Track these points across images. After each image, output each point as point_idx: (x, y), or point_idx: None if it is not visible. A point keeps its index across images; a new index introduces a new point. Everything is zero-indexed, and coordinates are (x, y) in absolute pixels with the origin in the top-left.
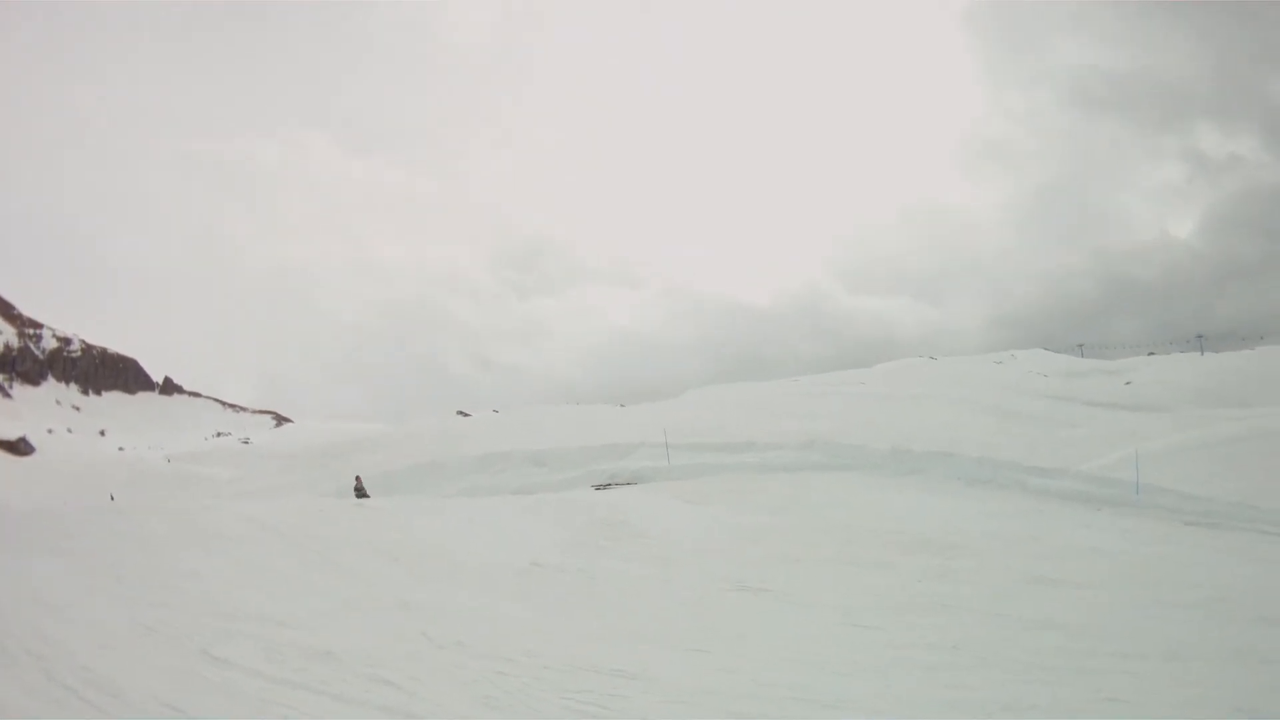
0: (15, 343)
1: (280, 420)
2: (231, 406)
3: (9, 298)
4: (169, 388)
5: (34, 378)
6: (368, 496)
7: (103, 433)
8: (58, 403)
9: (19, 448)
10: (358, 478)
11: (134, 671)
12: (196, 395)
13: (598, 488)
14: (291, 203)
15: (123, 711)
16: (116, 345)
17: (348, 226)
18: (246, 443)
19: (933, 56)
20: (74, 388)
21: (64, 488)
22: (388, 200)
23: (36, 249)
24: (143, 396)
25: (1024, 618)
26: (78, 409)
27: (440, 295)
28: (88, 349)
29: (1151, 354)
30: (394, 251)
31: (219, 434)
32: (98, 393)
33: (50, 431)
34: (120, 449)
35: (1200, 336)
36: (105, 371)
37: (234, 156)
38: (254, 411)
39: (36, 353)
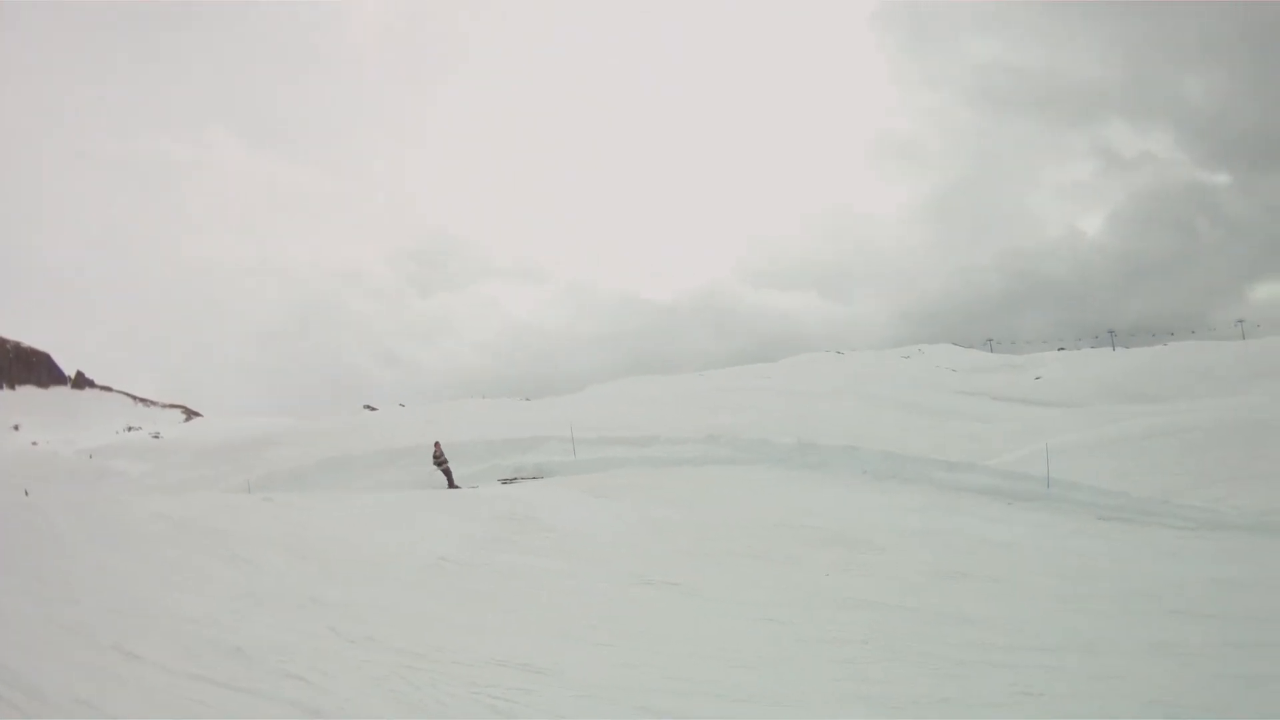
0: None
1: (190, 414)
2: (142, 401)
3: None
4: (81, 382)
5: None
6: (446, 463)
7: (16, 427)
8: None
9: None
10: (437, 444)
11: (51, 669)
12: (108, 389)
13: (504, 482)
14: (195, 200)
15: (41, 710)
16: (28, 340)
17: (251, 224)
18: (157, 437)
19: (842, 56)
20: None
21: None
22: (290, 198)
23: None
24: (55, 391)
25: (935, 611)
26: None
27: (342, 292)
28: (1, 343)
29: (1061, 349)
30: (297, 249)
31: (130, 428)
32: (11, 387)
33: None
34: (34, 443)
35: (1112, 332)
36: (18, 366)
37: (139, 155)
38: (164, 406)
39: None
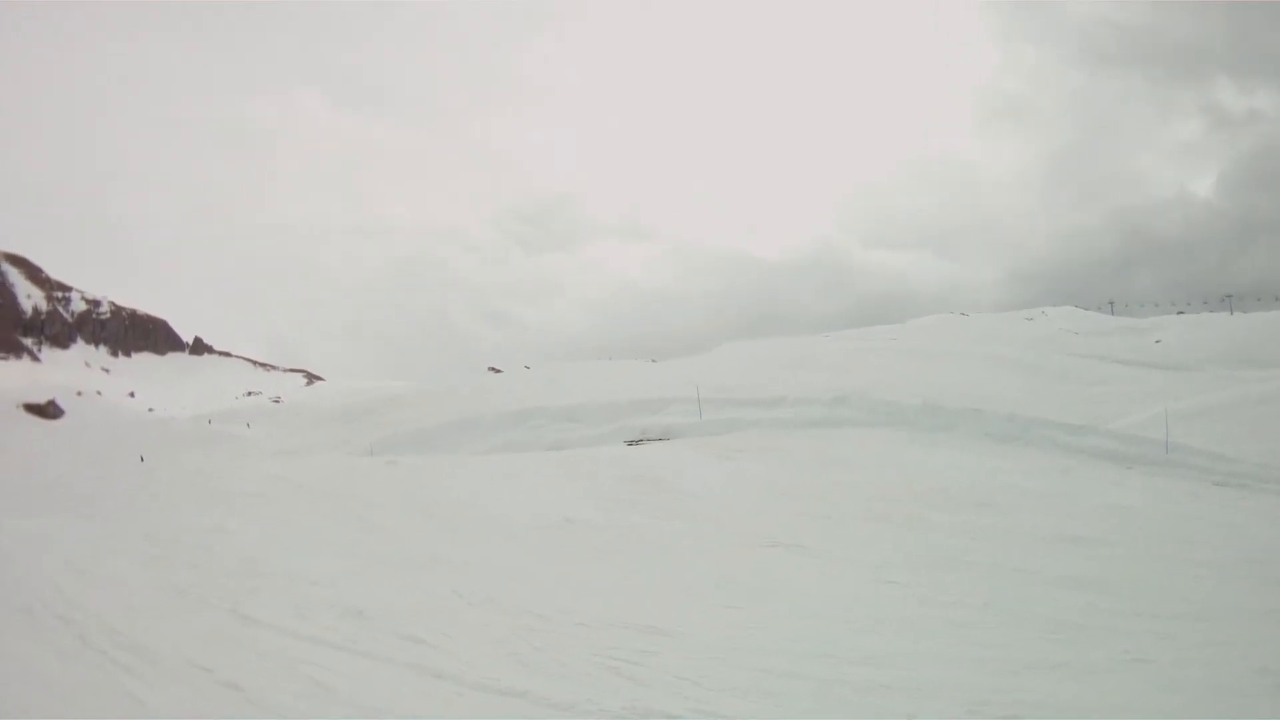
0: (44, 305)
1: (312, 379)
2: (262, 365)
3: (36, 261)
4: (199, 348)
5: (63, 340)
6: None
7: (133, 394)
8: (87, 365)
9: (48, 411)
10: None
11: (166, 633)
12: (227, 355)
13: (630, 443)
14: (287, 162)
15: (155, 674)
16: (143, 307)
17: (347, 184)
18: (278, 401)
19: (946, 10)
20: (103, 350)
21: (94, 450)
22: (387, 158)
23: (58, 214)
24: (172, 357)
25: (1053, 576)
26: (107, 371)
27: (445, 252)
28: (117, 311)
29: (1181, 312)
30: (395, 209)
31: (250, 393)
32: (127, 354)
33: (80, 394)
34: (150, 410)
35: (1229, 296)
36: (135, 333)
37: (227, 119)
38: (285, 370)
39: (65, 315)
